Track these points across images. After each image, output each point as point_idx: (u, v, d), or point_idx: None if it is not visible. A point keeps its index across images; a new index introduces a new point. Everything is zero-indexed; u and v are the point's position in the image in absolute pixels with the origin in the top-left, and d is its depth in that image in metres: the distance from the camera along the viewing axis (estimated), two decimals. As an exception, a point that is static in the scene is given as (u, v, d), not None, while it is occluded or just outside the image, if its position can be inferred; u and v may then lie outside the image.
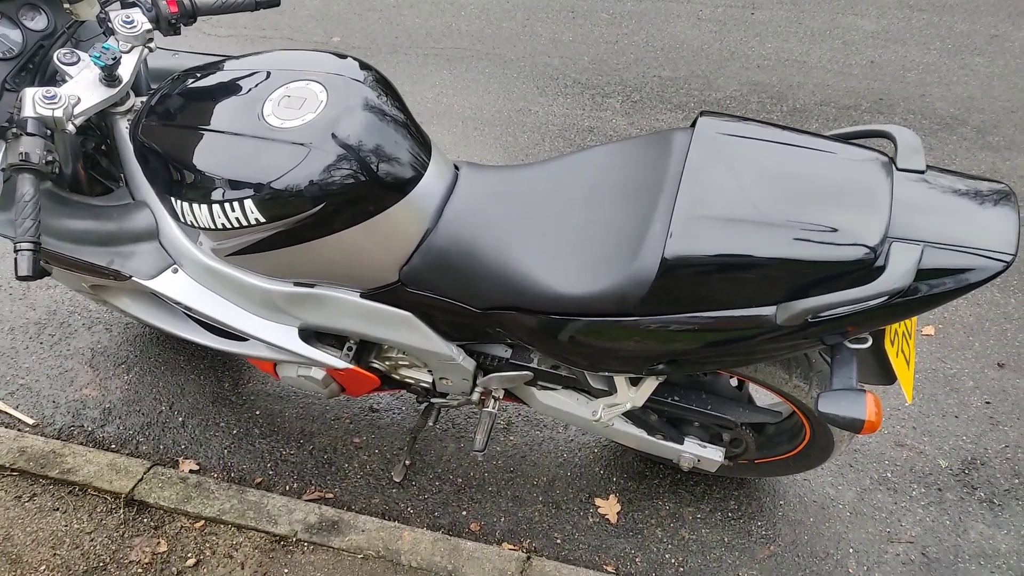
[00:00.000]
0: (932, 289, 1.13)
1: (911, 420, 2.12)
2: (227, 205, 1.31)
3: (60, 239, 1.52)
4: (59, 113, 1.30)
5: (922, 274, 1.12)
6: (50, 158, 1.26)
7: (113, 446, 2.15)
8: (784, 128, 1.30)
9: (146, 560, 1.82)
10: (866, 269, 1.13)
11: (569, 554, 1.89)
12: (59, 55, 1.43)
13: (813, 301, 1.14)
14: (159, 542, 1.86)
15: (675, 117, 3.37)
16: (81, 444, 2.13)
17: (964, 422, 2.11)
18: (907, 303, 1.14)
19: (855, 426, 1.21)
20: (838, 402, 1.22)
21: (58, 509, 1.92)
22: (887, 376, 1.44)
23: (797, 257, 1.14)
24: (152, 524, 1.89)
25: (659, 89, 3.56)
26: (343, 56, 1.46)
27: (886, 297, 1.11)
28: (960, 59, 3.66)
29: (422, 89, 3.60)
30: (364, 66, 1.45)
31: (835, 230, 1.15)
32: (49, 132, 1.30)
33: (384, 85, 1.43)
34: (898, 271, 1.10)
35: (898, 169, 1.23)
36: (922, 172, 1.23)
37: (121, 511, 1.92)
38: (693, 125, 1.32)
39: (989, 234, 1.14)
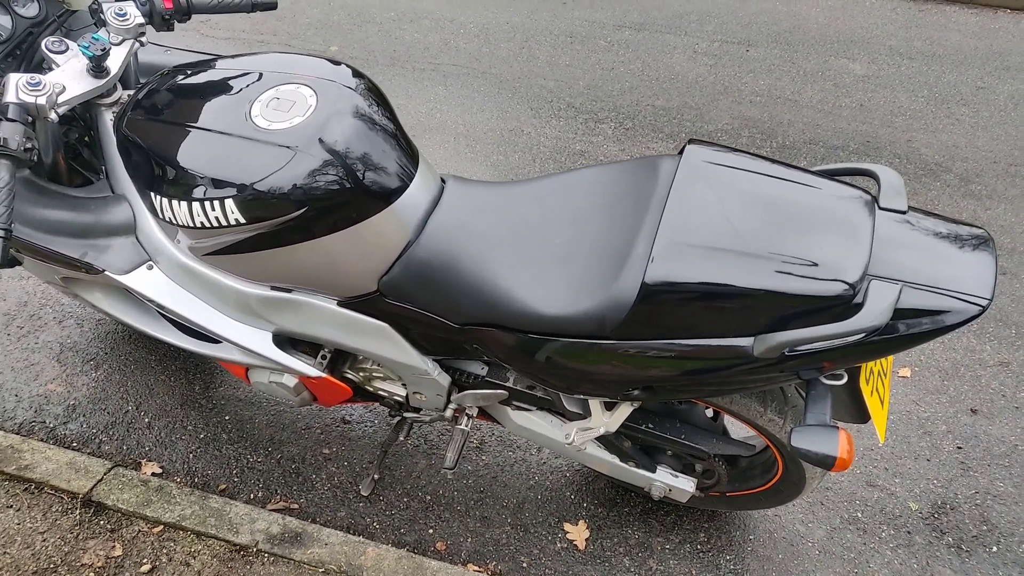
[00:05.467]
0: (909, 329, 1.13)
1: (883, 461, 2.12)
2: (207, 204, 1.29)
3: (34, 228, 1.49)
4: (42, 100, 1.28)
5: (899, 313, 1.12)
6: (29, 145, 1.24)
7: (75, 444, 2.10)
8: (770, 160, 1.30)
9: (99, 564, 1.77)
10: (844, 305, 1.13)
11: (534, 579, 1.86)
12: (47, 43, 1.41)
13: (790, 334, 1.14)
14: (114, 546, 1.81)
15: (666, 146, 3.40)
16: (41, 440, 2.08)
17: (936, 466, 2.12)
18: (883, 341, 1.14)
19: (826, 463, 1.20)
20: (811, 438, 1.21)
21: (11, 506, 1.87)
22: (861, 414, 1.43)
23: (777, 289, 1.14)
24: (108, 527, 1.84)
25: (652, 118, 3.59)
26: (337, 63, 1.46)
27: (863, 334, 1.11)
28: (946, 108, 3.73)
29: (417, 103, 3.61)
30: (357, 74, 1.45)
31: (816, 264, 1.15)
32: (31, 119, 1.28)
33: (375, 94, 1.43)
34: (876, 309, 1.10)
35: (880, 208, 1.24)
36: (904, 212, 1.24)
37: (77, 512, 1.87)
38: (681, 152, 1.33)
39: (967, 278, 1.14)
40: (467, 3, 4.56)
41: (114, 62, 1.45)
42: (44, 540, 1.81)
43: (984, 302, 1.12)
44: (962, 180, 3.24)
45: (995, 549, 1.93)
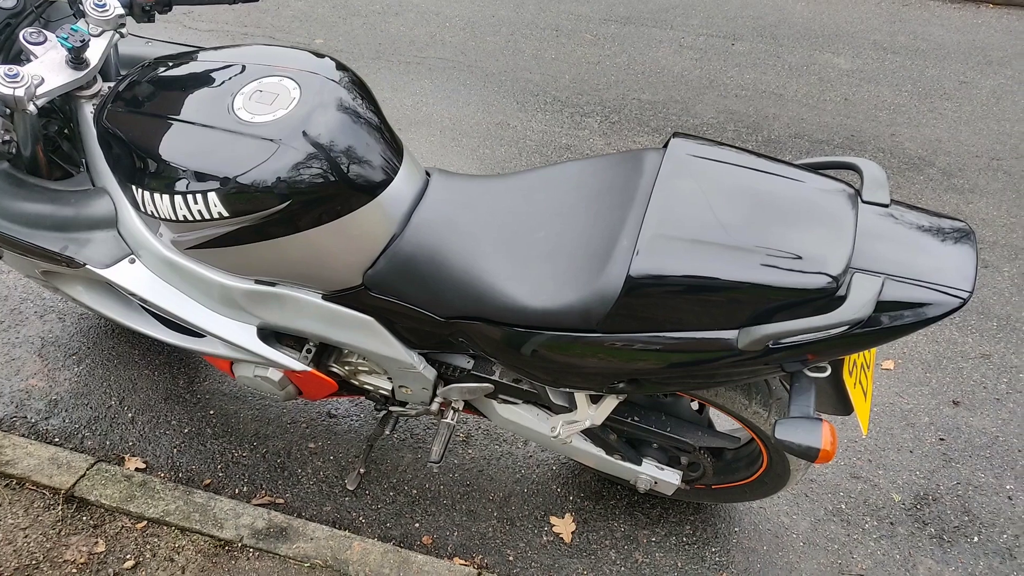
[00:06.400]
0: (891, 321, 1.14)
1: (867, 453, 2.14)
2: (190, 197, 1.28)
3: (13, 222, 1.47)
4: (20, 92, 1.26)
5: (882, 306, 1.13)
6: (7, 137, 1.23)
7: (57, 440, 2.08)
8: (754, 154, 1.31)
9: (82, 560, 1.76)
10: (828, 298, 1.14)
11: (521, 572, 1.87)
12: (25, 34, 1.39)
13: (774, 327, 1.14)
14: (97, 542, 1.79)
15: (652, 140, 3.41)
16: (23, 436, 2.06)
17: (918, 457, 2.14)
18: (866, 334, 1.15)
19: (810, 454, 1.21)
20: (795, 430, 1.22)
21: (-7, 502, 1.85)
22: (844, 406, 1.44)
23: (761, 282, 1.15)
24: (91, 523, 1.83)
25: (638, 112, 3.59)
26: (320, 55, 1.45)
27: (846, 327, 1.12)
28: (929, 102, 3.76)
29: (402, 96, 3.59)
30: (340, 67, 1.44)
31: (799, 257, 1.15)
32: (9, 111, 1.26)
33: (359, 87, 1.42)
34: (859, 302, 1.10)
35: (863, 201, 1.25)
36: (886, 206, 1.25)
37: (60, 507, 1.85)
38: (665, 146, 1.33)
39: (948, 270, 1.15)
40: (453, -4, 4.55)
41: (94, 54, 1.43)
42: (26, 536, 1.79)
43: (965, 294, 1.13)
44: (945, 174, 3.27)
45: (976, 539, 1.96)
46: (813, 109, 3.67)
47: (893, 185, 3.20)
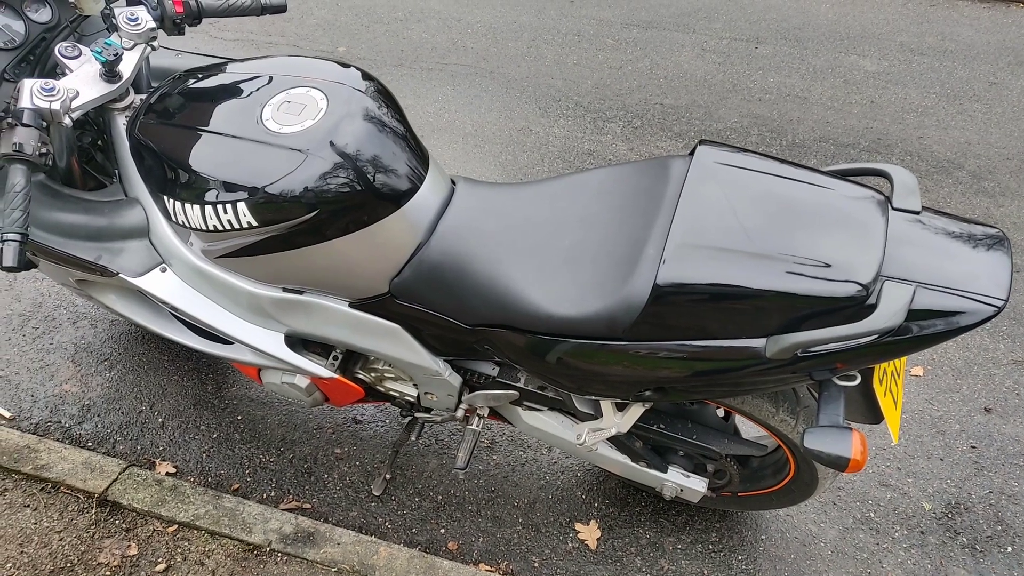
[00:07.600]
0: (923, 330, 1.13)
1: (896, 461, 2.11)
2: (220, 207, 1.30)
3: (49, 231, 1.51)
4: (56, 105, 1.29)
5: (913, 314, 1.12)
6: (44, 150, 1.25)
7: (90, 444, 2.11)
8: (782, 161, 1.30)
9: (115, 563, 1.79)
10: (857, 306, 1.13)
11: (546, 579, 1.87)
12: (60, 48, 1.42)
13: (803, 336, 1.13)
14: (130, 545, 1.82)
15: (675, 145, 3.39)
16: (57, 440, 2.10)
17: (949, 465, 2.11)
18: (897, 343, 1.14)
19: (840, 464, 1.20)
20: (824, 439, 1.21)
21: (28, 506, 1.89)
22: (874, 415, 1.43)
23: (789, 290, 1.14)
24: (124, 526, 1.86)
25: (660, 117, 3.58)
26: (346, 65, 1.46)
27: (876, 336, 1.10)
28: (958, 104, 3.70)
29: (425, 103, 3.61)
30: (366, 76, 1.45)
31: (828, 265, 1.14)
32: (45, 124, 1.29)
33: (385, 96, 1.43)
34: (889, 310, 1.09)
35: (894, 208, 1.24)
36: (917, 213, 1.23)
37: (93, 511, 1.88)
38: (692, 153, 1.33)
39: (982, 278, 1.14)
40: (474, 2, 4.57)
41: (126, 67, 1.46)
42: (61, 539, 1.83)
43: (1000, 303, 1.11)
44: (975, 177, 3.22)
45: (1010, 549, 1.92)
46: (839, 112, 3.63)
47: (921, 189, 3.15)
